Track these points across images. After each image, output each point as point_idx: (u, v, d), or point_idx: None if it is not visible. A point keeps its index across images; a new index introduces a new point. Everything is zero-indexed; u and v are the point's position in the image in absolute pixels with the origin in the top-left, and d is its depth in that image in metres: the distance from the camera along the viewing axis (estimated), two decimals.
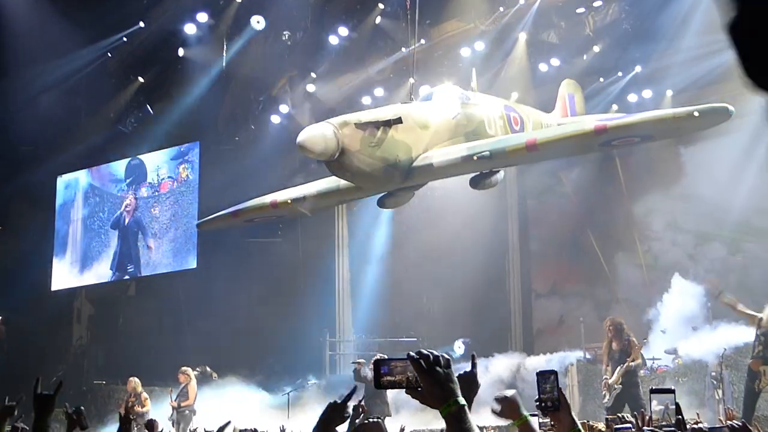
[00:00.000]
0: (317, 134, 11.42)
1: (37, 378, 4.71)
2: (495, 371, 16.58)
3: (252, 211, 15.13)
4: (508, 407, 3.57)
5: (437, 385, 2.83)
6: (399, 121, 11.94)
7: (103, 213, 23.01)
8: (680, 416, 4.05)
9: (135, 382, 16.30)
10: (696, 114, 11.08)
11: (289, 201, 14.17)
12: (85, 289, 23.32)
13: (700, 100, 18.45)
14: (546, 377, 3.63)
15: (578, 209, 21.39)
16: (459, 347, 19.61)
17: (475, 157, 11.97)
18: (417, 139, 12.14)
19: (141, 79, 21.17)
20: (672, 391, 3.84)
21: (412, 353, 2.88)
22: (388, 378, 2.94)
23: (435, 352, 2.88)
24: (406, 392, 2.93)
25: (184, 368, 16.48)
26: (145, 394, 16.23)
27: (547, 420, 4.76)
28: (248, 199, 15.47)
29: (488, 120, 13.50)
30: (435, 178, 12.76)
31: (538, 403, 3.64)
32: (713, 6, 16.85)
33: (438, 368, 2.84)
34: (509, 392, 3.61)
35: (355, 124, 11.63)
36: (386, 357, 3.02)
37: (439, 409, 2.84)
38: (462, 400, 2.83)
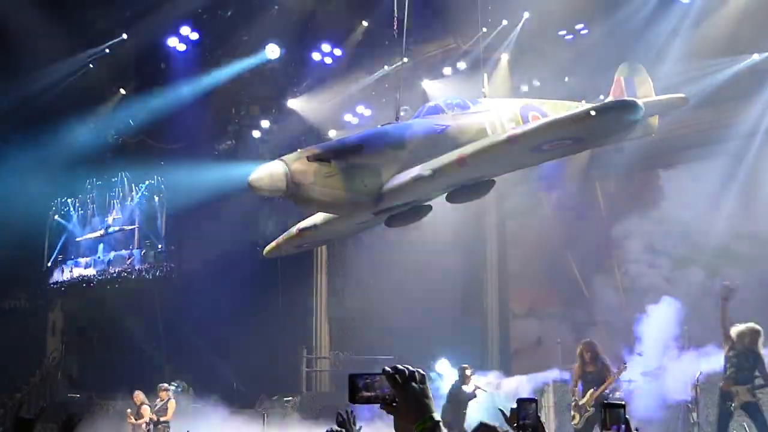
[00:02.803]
0: (264, 174, 11.53)
1: (20, 402, 4.71)
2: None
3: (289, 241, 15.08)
4: None
5: (412, 401, 2.83)
6: (359, 148, 11.96)
7: None
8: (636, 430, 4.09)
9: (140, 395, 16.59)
10: (592, 113, 11.05)
11: (296, 231, 14.21)
12: (62, 300, 23.23)
13: (681, 126, 18.72)
14: (527, 405, 3.66)
15: (557, 231, 21.43)
16: (441, 365, 19.56)
17: (414, 178, 11.90)
18: (388, 161, 12.08)
19: (123, 91, 21.12)
20: (623, 406, 3.87)
21: (387, 368, 2.87)
22: (364, 393, 2.93)
23: (410, 368, 2.88)
24: (381, 407, 2.92)
25: (162, 385, 16.68)
26: (145, 406, 16.42)
27: None
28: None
29: (492, 126, 13.32)
30: (409, 199, 12.61)
31: (515, 428, 3.66)
32: (693, 34, 17.04)
33: (413, 383, 2.84)
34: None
35: (307, 157, 11.67)
36: (362, 372, 3.01)
37: (413, 424, 2.83)
38: (437, 416, 2.82)
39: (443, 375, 17.44)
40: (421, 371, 2.88)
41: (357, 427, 5.27)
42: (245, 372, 20.81)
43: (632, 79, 15.20)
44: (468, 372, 15.58)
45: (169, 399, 16.49)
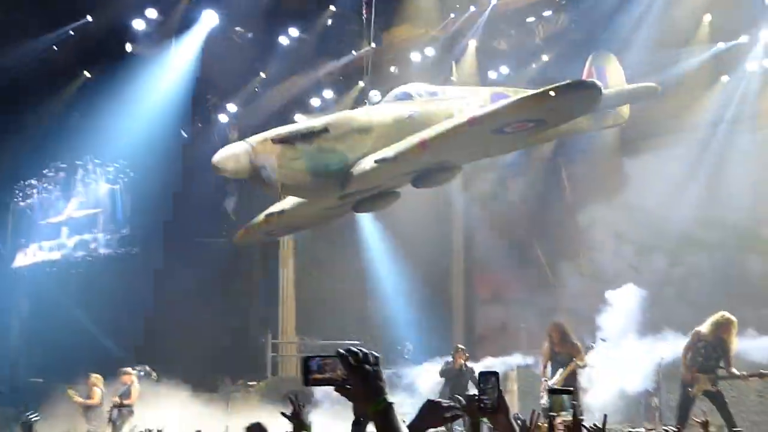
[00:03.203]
0: (229, 155, 11.53)
1: None
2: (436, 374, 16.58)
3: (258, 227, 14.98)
4: (473, 407, 3.59)
5: (366, 383, 2.81)
6: (325, 131, 11.92)
7: None
8: (582, 417, 4.12)
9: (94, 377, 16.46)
10: (552, 93, 11.07)
11: (264, 217, 14.16)
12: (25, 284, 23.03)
13: (646, 113, 18.85)
14: (487, 378, 3.63)
15: (523, 218, 21.53)
16: (408, 350, 19.60)
17: (376, 162, 11.87)
18: (354, 145, 12.09)
19: (87, 74, 20.90)
20: (571, 392, 3.88)
21: (341, 350, 2.85)
22: (317, 375, 2.91)
23: (364, 350, 2.86)
24: (335, 390, 2.90)
25: (125, 369, 16.55)
26: (96, 388, 16.32)
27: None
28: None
29: (461, 113, 13.31)
30: (374, 184, 12.59)
31: (477, 404, 3.64)
32: (659, 22, 17.13)
33: (367, 366, 2.82)
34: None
35: (272, 139, 11.63)
36: (315, 354, 2.99)
37: (367, 406, 2.82)
38: (390, 399, 2.81)
39: None
40: (375, 353, 2.87)
41: (307, 410, 5.26)
42: (210, 356, 20.73)
43: (603, 67, 15.28)
44: (459, 351, 15.55)
45: (132, 383, 16.39)
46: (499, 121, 11.28)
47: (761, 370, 12.32)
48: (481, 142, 11.93)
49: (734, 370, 12.36)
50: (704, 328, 12.56)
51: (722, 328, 12.43)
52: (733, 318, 12.49)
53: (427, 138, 11.64)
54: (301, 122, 13.13)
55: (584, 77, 14.99)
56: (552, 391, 4.02)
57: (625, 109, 15.86)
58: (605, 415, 4.89)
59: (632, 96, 15.44)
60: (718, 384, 12.39)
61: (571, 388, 3.97)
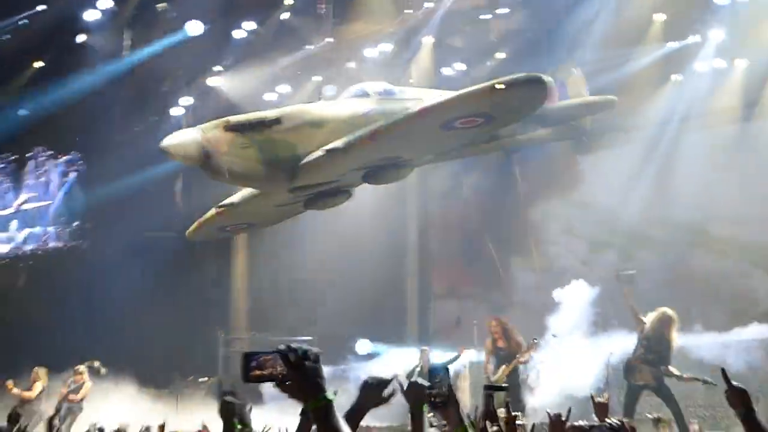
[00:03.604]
0: (179, 139, 11.45)
1: None
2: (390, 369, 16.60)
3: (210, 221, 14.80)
4: (414, 393, 3.59)
5: (305, 380, 2.82)
6: (277, 122, 11.88)
7: None
8: (516, 414, 4.19)
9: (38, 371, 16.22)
10: (498, 86, 11.10)
11: (215, 210, 14.06)
12: None
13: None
14: (438, 372, 3.65)
15: (477, 213, 21.64)
16: (363, 346, 19.63)
17: (325, 152, 11.82)
18: (306, 138, 12.06)
19: (38, 64, 20.63)
20: (505, 389, 3.94)
21: (281, 347, 2.86)
22: (257, 372, 2.92)
23: (304, 347, 2.87)
24: (275, 386, 2.90)
25: (78, 368, 16.39)
26: (38, 383, 16.08)
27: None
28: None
29: None
30: (325, 178, 12.54)
31: (428, 398, 3.65)
32: (612, 21, 17.31)
33: (307, 363, 2.83)
34: (423, 382, 3.63)
35: (224, 126, 11.60)
36: (255, 351, 2.99)
37: (306, 403, 2.83)
38: (330, 396, 2.82)
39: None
40: (315, 350, 2.88)
41: (248, 407, 5.23)
42: (161, 352, 20.58)
43: (564, 80, 15.37)
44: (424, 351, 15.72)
45: (84, 382, 16.22)
46: (448, 112, 11.22)
47: (705, 378, 12.49)
48: (432, 137, 11.87)
49: (672, 369, 12.63)
50: (646, 324, 12.82)
51: (663, 323, 12.74)
52: (674, 314, 12.80)
53: (377, 129, 11.61)
54: (255, 113, 13.01)
55: None
56: (487, 388, 4.05)
57: (586, 122, 15.98)
58: (569, 408, 4.97)
59: (590, 108, 15.58)
60: (660, 380, 12.63)
61: (506, 386, 4.00)
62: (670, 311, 12.92)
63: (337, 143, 11.66)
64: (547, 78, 11.20)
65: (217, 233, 15.13)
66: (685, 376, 12.66)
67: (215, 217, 14.22)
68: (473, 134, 12.20)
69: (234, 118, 12.11)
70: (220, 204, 13.85)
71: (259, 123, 11.83)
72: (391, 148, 11.86)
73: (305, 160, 11.87)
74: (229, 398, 5.13)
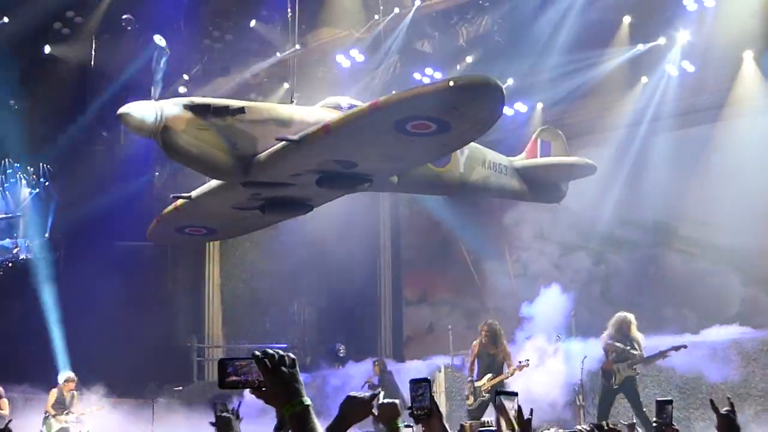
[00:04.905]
0: (137, 108, 11.23)
1: None
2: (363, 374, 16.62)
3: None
4: (387, 413, 3.56)
5: (282, 385, 2.81)
6: (241, 111, 11.72)
7: None
8: (530, 418, 4.12)
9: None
10: (451, 83, 10.92)
11: (171, 197, 13.85)
12: None
13: (569, 114, 19.15)
14: (419, 385, 3.63)
15: (449, 218, 21.64)
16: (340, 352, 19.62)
17: (277, 139, 11.65)
18: (268, 134, 11.87)
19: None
20: (515, 394, 3.89)
21: (257, 353, 2.84)
22: (233, 378, 2.89)
23: (281, 352, 2.85)
24: (251, 392, 2.88)
25: (70, 377, 16.35)
26: (4, 399, 15.90)
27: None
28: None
29: None
30: (279, 178, 12.32)
31: (410, 411, 3.64)
32: (579, 25, 17.41)
33: (283, 368, 2.82)
34: (393, 400, 3.61)
35: (185, 104, 11.41)
36: (232, 357, 2.96)
37: (282, 409, 2.81)
38: (307, 401, 2.81)
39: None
40: (292, 355, 2.86)
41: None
42: (135, 362, 20.42)
43: (549, 143, 15.31)
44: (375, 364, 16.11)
45: (73, 393, 16.22)
46: (399, 109, 10.94)
47: (674, 346, 12.99)
48: (384, 139, 11.57)
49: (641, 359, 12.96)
50: (609, 329, 13.13)
51: (623, 325, 13.07)
52: (630, 315, 13.18)
53: (329, 122, 11.44)
54: (222, 99, 12.81)
55: (529, 149, 15.08)
56: (498, 393, 3.99)
57: (565, 188, 15.89)
58: (531, 409, 4.94)
59: (571, 171, 15.40)
60: (635, 368, 12.88)
61: (516, 391, 3.96)
62: (624, 313, 13.26)
63: (292, 136, 11.48)
64: (499, 82, 10.85)
65: (178, 236, 14.85)
66: (660, 351, 13.01)
67: (172, 211, 13.98)
68: (428, 146, 11.90)
69: (198, 99, 11.90)
70: (176, 195, 13.63)
71: (222, 108, 11.60)
72: (344, 147, 11.60)
73: (260, 156, 11.69)
74: (225, 414, 5.21)
